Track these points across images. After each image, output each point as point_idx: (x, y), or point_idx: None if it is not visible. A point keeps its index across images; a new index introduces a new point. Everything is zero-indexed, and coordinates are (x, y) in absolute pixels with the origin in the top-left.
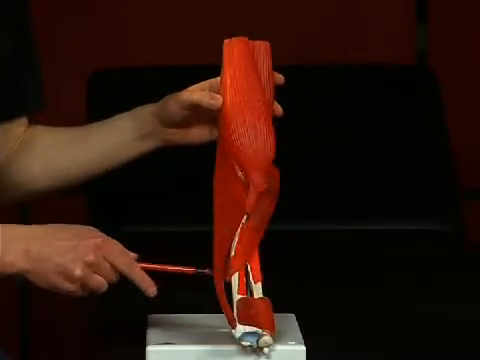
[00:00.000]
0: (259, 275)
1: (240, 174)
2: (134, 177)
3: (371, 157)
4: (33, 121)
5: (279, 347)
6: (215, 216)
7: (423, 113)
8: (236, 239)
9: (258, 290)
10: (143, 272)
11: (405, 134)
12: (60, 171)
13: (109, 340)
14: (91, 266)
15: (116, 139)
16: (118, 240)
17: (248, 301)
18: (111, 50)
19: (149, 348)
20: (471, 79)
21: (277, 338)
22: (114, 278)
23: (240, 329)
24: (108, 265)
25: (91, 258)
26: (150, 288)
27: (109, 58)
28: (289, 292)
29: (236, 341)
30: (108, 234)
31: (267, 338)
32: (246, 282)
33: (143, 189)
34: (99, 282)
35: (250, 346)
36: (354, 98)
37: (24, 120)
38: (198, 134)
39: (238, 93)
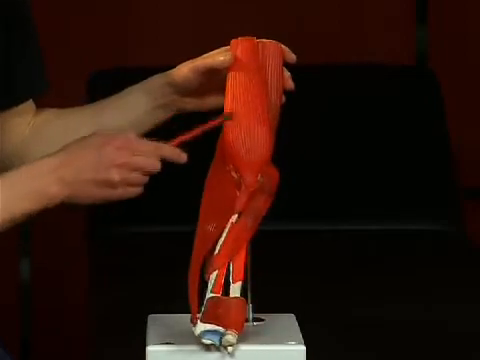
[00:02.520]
0: (240, 275)
1: (233, 173)
2: None
3: (371, 157)
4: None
5: (279, 347)
6: (201, 213)
7: (423, 113)
8: (222, 238)
9: (235, 290)
10: (170, 147)
11: (405, 134)
12: None
13: (109, 340)
14: (124, 165)
15: (129, 115)
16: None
17: (218, 300)
18: (111, 50)
19: (149, 348)
20: (471, 79)
21: (277, 338)
22: (152, 166)
23: (200, 327)
24: (140, 157)
25: (120, 160)
26: (181, 156)
27: (109, 58)
28: (289, 292)
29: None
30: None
31: (229, 337)
32: (227, 281)
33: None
34: (138, 177)
35: (212, 344)
36: (354, 98)
37: (30, 104)
38: (213, 101)
39: (237, 93)
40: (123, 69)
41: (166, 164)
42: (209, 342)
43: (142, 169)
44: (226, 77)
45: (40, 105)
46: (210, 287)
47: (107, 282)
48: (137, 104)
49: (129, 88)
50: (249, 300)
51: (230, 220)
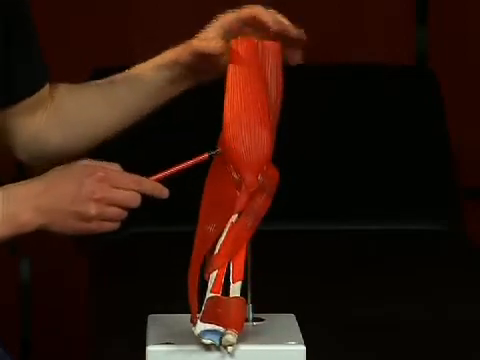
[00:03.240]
0: (240, 275)
1: (234, 174)
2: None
3: (371, 157)
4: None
5: (279, 347)
6: (201, 213)
7: (423, 113)
8: (222, 238)
9: (235, 290)
10: (151, 181)
11: (405, 134)
12: (89, 135)
13: (109, 340)
14: (102, 200)
15: (142, 92)
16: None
17: (218, 299)
18: (112, 49)
19: (149, 348)
20: (471, 79)
21: (277, 338)
22: (132, 200)
23: (200, 326)
24: (120, 191)
25: (99, 194)
26: (163, 191)
27: (110, 57)
28: (289, 292)
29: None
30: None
31: (229, 337)
32: (227, 281)
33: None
34: (116, 212)
35: (212, 344)
36: (354, 98)
37: (43, 94)
38: (224, 66)
39: (237, 93)
40: (124, 67)
41: (166, 164)
42: (209, 342)
43: (121, 203)
44: (226, 77)
45: None
46: (210, 287)
47: (107, 282)
48: (152, 83)
49: (142, 64)
50: (249, 300)
51: (230, 220)
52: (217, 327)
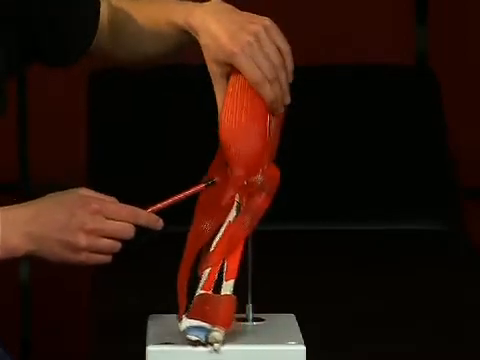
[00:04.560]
0: (233, 273)
1: (229, 171)
2: (139, 178)
3: (371, 157)
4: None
5: (279, 347)
6: (196, 210)
7: (423, 113)
8: (219, 236)
9: (227, 287)
10: (147, 213)
11: (405, 134)
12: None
13: (109, 340)
14: (94, 232)
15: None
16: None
17: (207, 297)
18: None
19: (149, 348)
20: (471, 79)
21: (277, 338)
22: (125, 232)
23: (185, 323)
24: (113, 223)
25: (90, 225)
26: (157, 223)
27: None
28: (289, 292)
29: (236, 341)
30: None
31: (216, 334)
32: (219, 279)
33: (150, 190)
34: (108, 244)
35: (198, 341)
36: (354, 98)
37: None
38: None
39: (235, 92)
40: (123, 69)
41: (166, 164)
42: (195, 338)
43: (113, 235)
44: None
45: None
46: (201, 284)
47: (107, 282)
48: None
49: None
50: (249, 300)
51: (227, 218)
52: (203, 323)
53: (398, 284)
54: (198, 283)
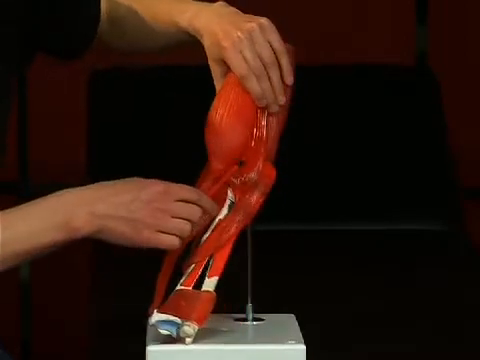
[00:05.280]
0: (218, 271)
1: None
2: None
3: (371, 157)
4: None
5: (279, 347)
6: None
7: (423, 113)
8: (208, 232)
9: (208, 284)
10: (208, 199)
11: (405, 134)
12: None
13: (109, 340)
14: (161, 211)
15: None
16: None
17: (186, 292)
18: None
19: (149, 348)
20: (471, 79)
21: (277, 338)
22: (193, 214)
23: (155, 317)
24: (180, 204)
25: (158, 204)
26: (215, 210)
27: (109, 57)
28: (289, 292)
29: (236, 341)
30: None
31: (187, 328)
32: (202, 275)
33: None
34: (178, 224)
35: (170, 335)
36: (354, 98)
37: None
38: None
39: (224, 87)
40: (123, 69)
41: (166, 164)
42: (166, 332)
43: (182, 215)
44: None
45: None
46: (182, 280)
47: (107, 282)
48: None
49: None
50: (249, 300)
51: (218, 216)
52: (173, 318)
53: (398, 284)
54: (179, 279)
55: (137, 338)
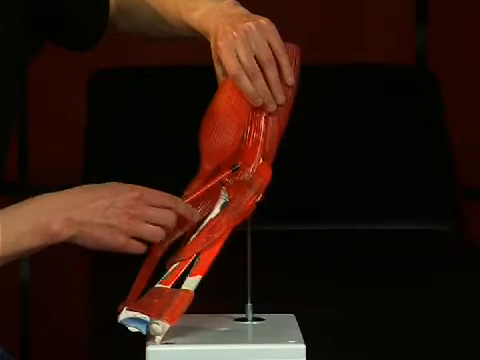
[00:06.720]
0: (202, 270)
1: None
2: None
3: (371, 157)
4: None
5: (279, 346)
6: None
7: (423, 113)
8: (197, 231)
9: (189, 283)
10: (185, 203)
11: (405, 134)
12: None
13: (109, 340)
14: (137, 217)
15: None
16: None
17: (161, 290)
18: (111, 50)
19: (149, 348)
20: (471, 79)
21: (277, 337)
22: (167, 220)
23: (123, 314)
24: (156, 209)
25: (133, 210)
26: (194, 215)
27: (109, 58)
28: (289, 292)
29: (236, 341)
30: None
31: (155, 326)
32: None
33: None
34: (151, 230)
35: (139, 333)
36: (354, 98)
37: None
38: None
39: (220, 88)
40: (123, 69)
41: (166, 164)
42: (135, 330)
43: (157, 221)
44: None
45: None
46: (163, 278)
47: (107, 282)
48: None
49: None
50: (249, 300)
51: (209, 215)
52: (141, 315)
53: (398, 284)
54: (160, 276)
55: (137, 338)
